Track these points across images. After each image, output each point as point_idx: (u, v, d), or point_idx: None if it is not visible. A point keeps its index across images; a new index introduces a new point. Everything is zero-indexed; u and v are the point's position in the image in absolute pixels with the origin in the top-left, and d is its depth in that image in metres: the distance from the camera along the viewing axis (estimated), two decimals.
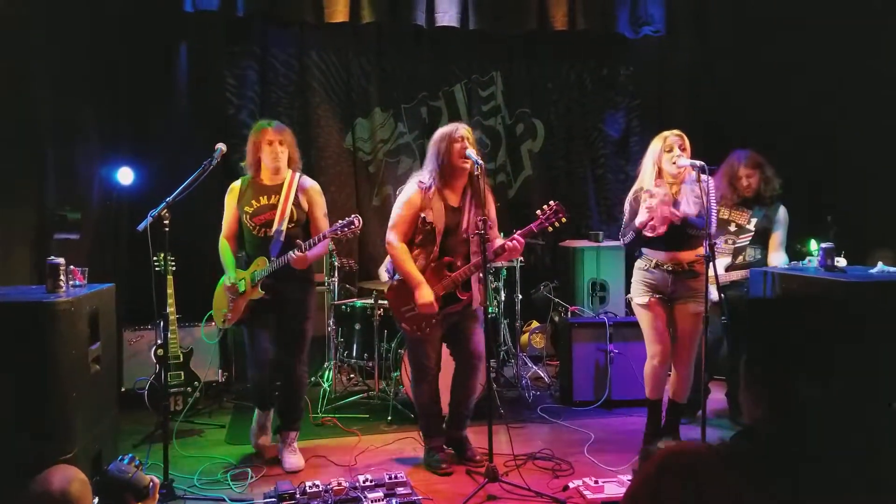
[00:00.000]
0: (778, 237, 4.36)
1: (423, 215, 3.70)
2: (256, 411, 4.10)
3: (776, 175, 4.41)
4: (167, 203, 3.37)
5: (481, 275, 3.75)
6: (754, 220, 4.38)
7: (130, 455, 3.07)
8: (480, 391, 4.27)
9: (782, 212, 4.40)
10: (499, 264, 5.12)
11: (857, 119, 4.93)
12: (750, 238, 4.37)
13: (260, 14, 5.69)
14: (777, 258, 4.32)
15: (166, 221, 3.37)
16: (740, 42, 6.07)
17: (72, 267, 3.15)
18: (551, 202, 3.66)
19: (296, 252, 3.61)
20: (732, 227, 4.39)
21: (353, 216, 3.62)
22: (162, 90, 5.72)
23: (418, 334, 3.74)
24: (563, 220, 3.63)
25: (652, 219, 3.67)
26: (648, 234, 3.71)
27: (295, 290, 3.84)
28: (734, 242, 4.38)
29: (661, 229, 3.70)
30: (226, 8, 5.49)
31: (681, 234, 3.78)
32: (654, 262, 3.85)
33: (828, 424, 1.19)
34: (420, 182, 3.77)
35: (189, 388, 4.53)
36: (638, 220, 3.71)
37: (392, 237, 3.76)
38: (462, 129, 3.75)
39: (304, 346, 3.91)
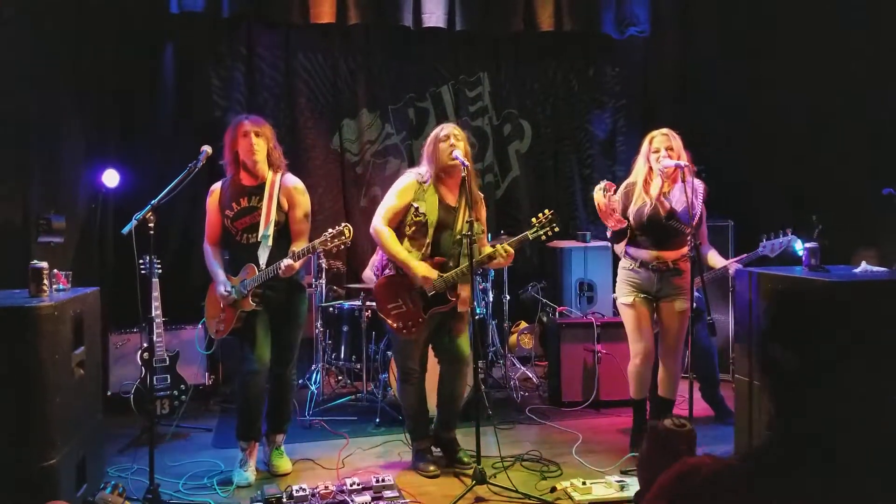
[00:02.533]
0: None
1: (415, 205, 3.66)
2: (240, 447, 3.76)
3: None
4: (152, 206, 3.33)
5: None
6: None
7: (113, 482, 3.06)
8: (467, 393, 4.28)
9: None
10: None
11: (842, 118, 4.96)
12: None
13: (246, 15, 5.67)
14: (715, 258, 4.40)
15: (151, 224, 3.34)
16: (725, 42, 6.11)
17: (55, 271, 3.11)
18: (546, 210, 3.65)
19: (286, 262, 3.48)
20: None
21: (342, 225, 3.43)
22: (148, 92, 5.69)
23: (404, 332, 3.70)
24: (556, 229, 3.62)
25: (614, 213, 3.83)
26: (612, 228, 3.87)
27: (287, 297, 3.76)
28: None
29: (610, 224, 3.84)
30: (211, 9, 5.49)
31: (665, 232, 3.81)
32: (638, 261, 3.88)
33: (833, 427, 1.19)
34: (418, 174, 3.74)
35: (175, 392, 4.49)
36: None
37: (378, 221, 3.69)
38: (448, 128, 3.73)
39: (294, 352, 3.86)
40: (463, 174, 3.61)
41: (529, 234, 3.62)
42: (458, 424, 4.01)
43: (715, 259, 4.37)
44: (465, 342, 3.84)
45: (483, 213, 3.87)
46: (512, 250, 3.65)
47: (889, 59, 4.62)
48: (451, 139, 3.66)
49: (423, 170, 3.75)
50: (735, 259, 4.33)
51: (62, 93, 4.76)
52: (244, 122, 3.69)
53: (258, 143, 3.65)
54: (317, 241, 3.49)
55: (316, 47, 6.12)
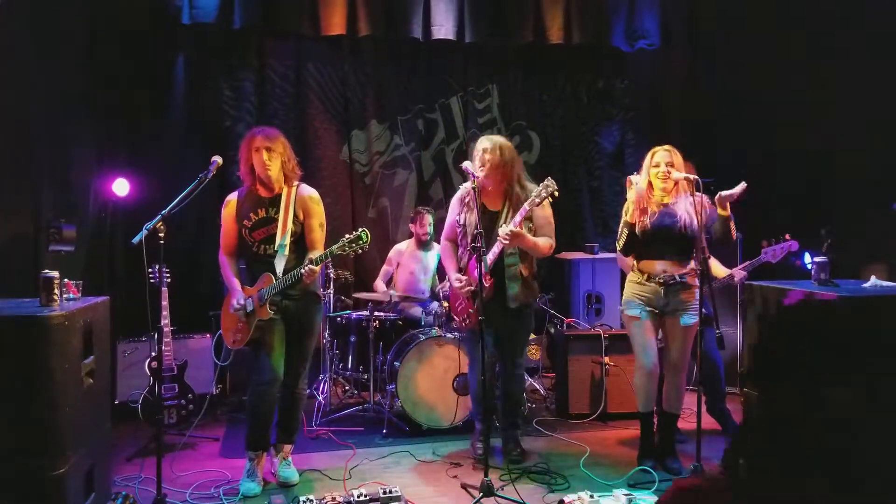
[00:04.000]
0: None
1: (457, 218, 4.03)
2: (248, 457, 3.77)
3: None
4: (162, 216, 3.35)
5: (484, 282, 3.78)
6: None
7: (124, 494, 3.08)
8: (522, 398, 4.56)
9: None
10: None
11: (852, 131, 4.95)
12: None
13: (257, 27, 5.71)
14: (717, 267, 4.42)
15: (161, 234, 3.35)
16: (734, 56, 6.11)
17: (66, 280, 3.13)
18: (546, 181, 3.81)
19: (308, 267, 3.51)
20: None
21: (359, 230, 3.53)
22: (158, 101, 5.73)
23: (463, 324, 4.08)
24: (556, 193, 3.81)
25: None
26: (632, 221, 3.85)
27: (303, 307, 3.78)
28: None
29: (637, 216, 3.83)
30: (223, 20, 5.53)
31: (671, 244, 3.81)
32: (646, 275, 3.87)
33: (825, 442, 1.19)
34: (464, 188, 4.05)
35: (183, 401, 4.50)
36: (628, 215, 3.88)
37: (442, 237, 4.23)
38: (480, 143, 4.00)
39: (307, 363, 3.88)
40: (472, 186, 3.71)
41: (527, 204, 3.78)
42: (517, 425, 4.24)
43: (717, 268, 4.36)
44: (515, 343, 4.12)
45: (538, 211, 3.93)
46: (508, 230, 3.75)
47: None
48: (479, 153, 3.93)
49: (469, 183, 3.97)
50: (740, 266, 4.32)
51: (72, 102, 4.79)
52: (257, 136, 3.71)
53: (271, 159, 3.68)
54: (335, 247, 3.53)
55: (326, 58, 6.16)
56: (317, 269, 3.55)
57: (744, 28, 5.95)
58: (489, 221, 3.91)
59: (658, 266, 3.85)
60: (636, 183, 3.87)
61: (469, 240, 3.91)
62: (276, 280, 3.62)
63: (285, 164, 3.74)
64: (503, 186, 3.96)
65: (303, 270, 3.52)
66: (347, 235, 3.51)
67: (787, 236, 4.13)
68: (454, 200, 4.12)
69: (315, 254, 3.62)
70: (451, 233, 4.14)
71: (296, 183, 3.79)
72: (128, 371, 4.95)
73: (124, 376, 4.94)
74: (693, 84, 6.63)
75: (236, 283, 3.77)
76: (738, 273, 4.30)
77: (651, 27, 6.33)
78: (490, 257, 3.85)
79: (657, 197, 3.86)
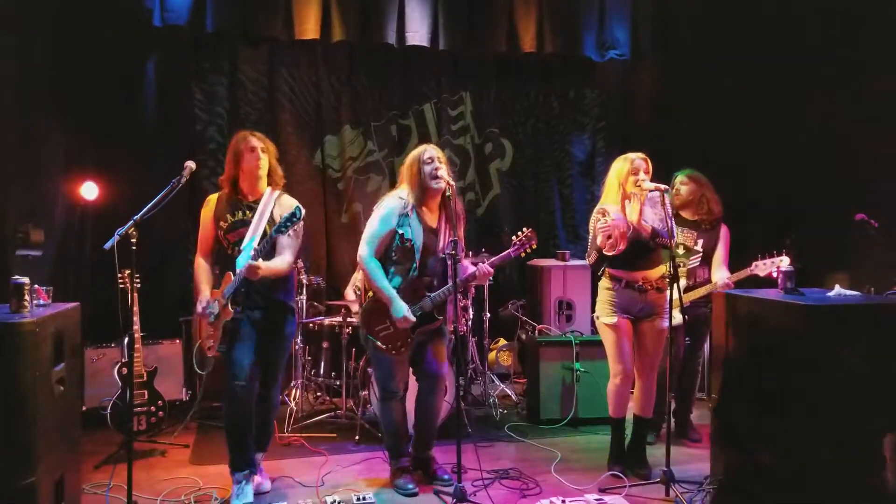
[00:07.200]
0: (720, 254, 4.49)
1: (400, 232, 3.68)
2: (234, 480, 3.60)
3: (716, 200, 4.51)
4: (135, 221, 3.31)
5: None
6: (701, 241, 4.49)
7: None
8: (446, 412, 4.31)
9: (724, 230, 4.54)
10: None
11: (816, 142, 5.09)
12: (699, 258, 4.49)
13: (230, 30, 5.67)
14: (719, 274, 4.41)
15: (134, 240, 3.31)
16: (703, 66, 6.24)
17: (36, 286, 3.08)
18: (525, 229, 3.73)
19: (246, 264, 3.40)
20: (681, 251, 4.48)
21: (294, 207, 3.44)
22: (129, 104, 5.65)
23: (393, 353, 3.72)
24: (534, 246, 3.74)
25: (610, 237, 3.75)
26: (609, 252, 3.80)
27: (275, 318, 3.71)
28: (684, 265, 4.48)
29: (622, 246, 3.77)
30: (195, 23, 5.48)
31: (647, 252, 3.87)
32: (624, 281, 3.91)
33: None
34: (399, 198, 3.75)
35: (153, 408, 4.44)
36: (598, 241, 3.82)
37: (365, 251, 3.71)
38: (430, 150, 3.77)
39: (279, 374, 3.83)
40: (447, 193, 3.67)
41: (512, 251, 3.71)
42: (436, 442, 4.02)
43: (717, 275, 4.41)
44: (442, 360, 3.87)
45: (462, 231, 3.88)
46: (492, 270, 3.73)
47: (864, 89, 4.76)
48: (434, 161, 3.71)
49: (405, 193, 3.77)
50: (733, 275, 4.34)
51: (41, 103, 4.71)
52: (250, 136, 3.69)
53: (264, 159, 3.67)
54: (272, 230, 3.42)
55: (299, 63, 6.14)
56: (257, 264, 3.40)
57: (713, 39, 6.08)
58: (430, 239, 3.73)
59: (635, 274, 3.90)
60: (611, 214, 3.84)
61: (410, 258, 3.68)
62: (234, 278, 3.55)
63: (273, 167, 3.74)
64: (440, 199, 3.80)
65: (249, 264, 3.40)
66: (283, 214, 3.42)
67: (784, 253, 4.15)
68: (391, 212, 3.70)
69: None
70: (380, 249, 3.75)
71: (279, 188, 3.76)
72: (95, 377, 4.88)
73: (92, 382, 4.86)
74: (662, 94, 6.74)
75: (204, 289, 3.69)
76: (724, 280, 4.29)
77: (622, 38, 6.44)
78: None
79: (636, 207, 3.91)
